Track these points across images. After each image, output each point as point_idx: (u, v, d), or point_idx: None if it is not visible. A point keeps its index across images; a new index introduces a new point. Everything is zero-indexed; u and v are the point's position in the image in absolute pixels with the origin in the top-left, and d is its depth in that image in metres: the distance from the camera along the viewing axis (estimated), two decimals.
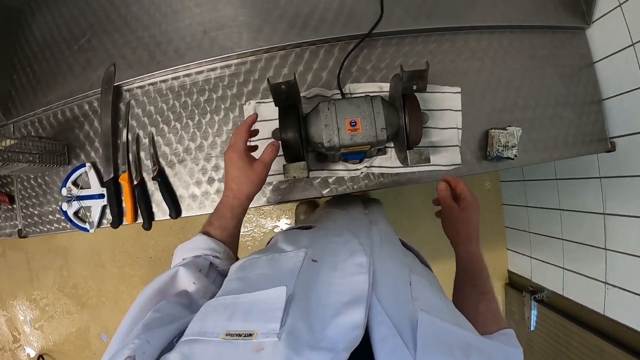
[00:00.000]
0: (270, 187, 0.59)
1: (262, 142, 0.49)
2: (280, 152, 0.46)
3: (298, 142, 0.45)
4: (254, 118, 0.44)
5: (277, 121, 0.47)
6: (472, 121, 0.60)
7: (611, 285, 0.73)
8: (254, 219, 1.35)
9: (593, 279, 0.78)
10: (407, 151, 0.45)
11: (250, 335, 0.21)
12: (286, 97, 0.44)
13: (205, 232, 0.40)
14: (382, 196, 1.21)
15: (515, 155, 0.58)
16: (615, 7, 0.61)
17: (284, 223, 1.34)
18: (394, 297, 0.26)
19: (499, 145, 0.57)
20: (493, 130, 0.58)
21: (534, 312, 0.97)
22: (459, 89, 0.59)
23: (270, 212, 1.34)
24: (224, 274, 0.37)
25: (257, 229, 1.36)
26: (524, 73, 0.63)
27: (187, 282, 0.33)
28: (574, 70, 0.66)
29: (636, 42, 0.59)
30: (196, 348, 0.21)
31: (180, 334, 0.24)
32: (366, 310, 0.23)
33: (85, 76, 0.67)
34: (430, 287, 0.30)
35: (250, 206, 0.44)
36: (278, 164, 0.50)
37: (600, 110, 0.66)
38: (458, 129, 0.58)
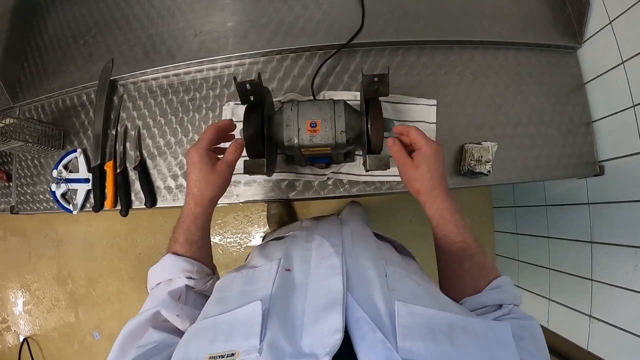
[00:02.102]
0: (238, 186, 0.60)
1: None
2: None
3: (259, 140, 0.46)
4: (228, 123, 0.42)
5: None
6: (447, 135, 0.59)
7: (596, 318, 0.68)
8: (241, 225, 1.36)
9: (578, 311, 0.73)
10: (367, 156, 0.46)
11: (233, 354, 0.21)
12: (251, 96, 0.46)
13: (173, 252, 0.38)
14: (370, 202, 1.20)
15: (489, 171, 0.56)
16: (606, 25, 0.60)
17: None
18: (370, 293, 0.25)
19: (471, 160, 0.56)
20: (467, 145, 0.57)
21: None
22: (434, 102, 0.59)
23: (258, 220, 1.35)
24: (200, 293, 0.38)
25: (244, 235, 1.37)
26: (508, 90, 0.63)
27: (171, 317, 0.32)
28: (563, 90, 0.64)
29: (626, 60, 0.58)
30: None
31: None
32: (343, 313, 0.23)
33: (87, 69, 0.72)
34: (409, 276, 0.30)
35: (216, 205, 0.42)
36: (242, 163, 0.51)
37: (589, 132, 0.64)
38: None
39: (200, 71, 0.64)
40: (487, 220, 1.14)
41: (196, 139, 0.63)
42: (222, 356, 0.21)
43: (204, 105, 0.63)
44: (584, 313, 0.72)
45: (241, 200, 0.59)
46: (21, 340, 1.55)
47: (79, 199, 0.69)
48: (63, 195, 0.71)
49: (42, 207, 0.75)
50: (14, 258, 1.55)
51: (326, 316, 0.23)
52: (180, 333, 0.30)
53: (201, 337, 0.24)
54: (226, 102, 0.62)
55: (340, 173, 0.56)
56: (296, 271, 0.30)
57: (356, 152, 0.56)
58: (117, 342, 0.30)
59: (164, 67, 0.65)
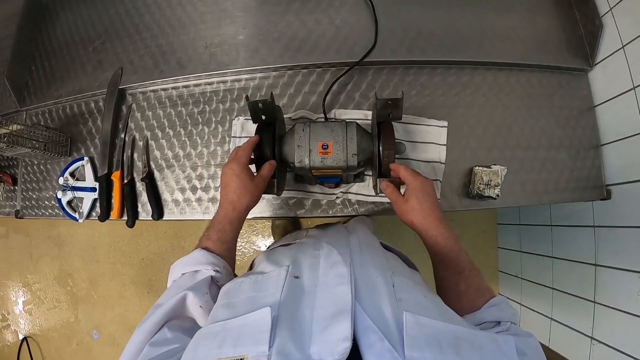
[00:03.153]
0: None
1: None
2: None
3: (270, 159, 0.46)
4: (256, 140, 0.46)
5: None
6: (457, 156, 0.59)
7: (597, 340, 0.69)
8: (246, 235, 1.36)
9: (579, 332, 0.73)
10: (377, 179, 0.45)
11: None
12: (263, 115, 0.46)
13: (204, 247, 0.40)
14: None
15: (498, 195, 0.56)
16: (619, 49, 0.60)
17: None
18: (378, 303, 0.26)
19: (480, 183, 0.56)
20: (477, 168, 0.57)
21: None
22: (445, 123, 0.59)
23: (262, 230, 1.35)
24: None
25: (248, 245, 1.37)
26: (518, 112, 0.63)
27: (194, 306, 0.33)
28: (573, 112, 0.64)
29: (637, 86, 0.57)
30: None
31: None
32: (352, 321, 0.23)
33: (95, 76, 0.71)
34: (415, 287, 0.30)
35: None
36: None
37: (597, 156, 0.64)
38: (441, 163, 0.58)
39: (210, 84, 0.64)
40: (491, 237, 1.14)
41: (205, 153, 0.63)
42: None
43: (213, 119, 0.63)
44: (585, 334, 0.72)
45: (249, 217, 0.59)
46: (21, 339, 1.55)
47: (85, 207, 0.69)
48: (69, 202, 0.71)
49: (47, 213, 0.75)
50: (17, 256, 1.55)
51: (335, 324, 0.23)
52: (192, 333, 0.29)
53: (209, 341, 0.24)
54: (236, 116, 0.61)
55: (350, 193, 0.56)
56: (305, 279, 0.30)
57: (366, 173, 0.56)
58: (139, 334, 0.30)
59: (174, 78, 0.65)
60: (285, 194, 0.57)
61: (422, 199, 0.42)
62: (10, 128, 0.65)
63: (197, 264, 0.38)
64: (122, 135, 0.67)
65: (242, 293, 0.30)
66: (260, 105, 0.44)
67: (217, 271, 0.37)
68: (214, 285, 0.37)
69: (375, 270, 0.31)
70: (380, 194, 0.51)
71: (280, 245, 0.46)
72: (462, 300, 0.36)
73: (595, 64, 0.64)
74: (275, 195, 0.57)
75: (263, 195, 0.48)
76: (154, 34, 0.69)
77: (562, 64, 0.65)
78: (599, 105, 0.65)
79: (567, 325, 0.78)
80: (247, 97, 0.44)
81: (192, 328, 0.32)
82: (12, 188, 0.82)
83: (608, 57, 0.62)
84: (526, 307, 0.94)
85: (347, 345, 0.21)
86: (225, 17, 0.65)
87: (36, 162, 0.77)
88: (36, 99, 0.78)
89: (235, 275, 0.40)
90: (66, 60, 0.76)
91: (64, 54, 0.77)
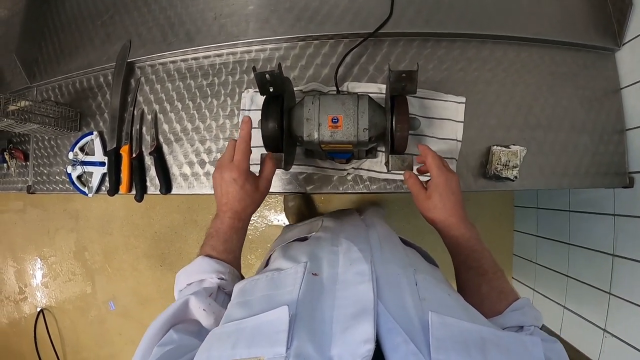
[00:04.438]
0: None
1: (255, 130, 0.49)
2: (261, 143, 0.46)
3: (277, 133, 0.44)
4: (249, 128, 0.41)
5: None
6: (474, 135, 0.57)
7: (609, 333, 0.67)
8: (258, 210, 1.35)
9: (592, 323, 0.71)
10: (390, 156, 0.44)
11: None
12: (271, 87, 0.44)
13: (208, 255, 0.38)
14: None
15: (516, 177, 0.54)
16: None
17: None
18: (401, 302, 0.25)
19: (498, 164, 0.53)
20: (495, 147, 0.55)
21: None
22: (463, 99, 0.56)
23: (275, 204, 1.34)
24: (230, 295, 0.37)
25: (261, 219, 1.37)
26: (540, 90, 0.59)
27: (198, 310, 0.32)
28: (598, 94, 0.61)
29: None
30: None
31: None
32: (374, 322, 0.22)
33: (104, 50, 0.70)
34: (438, 285, 0.29)
35: None
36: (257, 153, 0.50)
37: (621, 141, 0.61)
38: (457, 141, 0.56)
39: (219, 56, 0.62)
40: (507, 219, 1.11)
41: (214, 126, 0.62)
42: None
43: (222, 92, 0.62)
44: (598, 326, 0.70)
45: None
46: (37, 311, 1.61)
47: (95, 182, 0.69)
48: (79, 177, 0.71)
49: (57, 188, 0.75)
50: (33, 230, 1.59)
51: (356, 325, 0.22)
52: (199, 336, 0.29)
53: (223, 341, 0.23)
54: (245, 89, 0.60)
55: (361, 169, 0.55)
56: (323, 276, 0.29)
57: (379, 149, 0.55)
58: (144, 341, 0.29)
59: (182, 50, 0.63)
60: (294, 168, 0.56)
61: (446, 197, 0.39)
62: (19, 104, 0.65)
63: (201, 273, 0.36)
64: (131, 109, 0.67)
65: (258, 291, 0.29)
66: (267, 76, 0.43)
67: (222, 278, 0.36)
68: (221, 292, 0.36)
69: (397, 268, 0.30)
70: (392, 172, 0.50)
71: (296, 240, 0.45)
72: (484, 303, 0.35)
73: (623, 44, 0.60)
74: (284, 170, 0.56)
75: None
76: (162, 6, 0.67)
77: (588, 42, 0.61)
78: (625, 87, 0.61)
79: (580, 315, 0.76)
80: (254, 68, 0.43)
81: (198, 331, 0.31)
82: (24, 164, 0.83)
83: (637, 37, 0.58)
84: (539, 293, 0.92)
85: (370, 347, 0.20)
86: None
87: (47, 138, 0.77)
88: (46, 74, 0.78)
89: (243, 278, 0.39)
90: (75, 35, 0.75)
91: (72, 29, 0.76)
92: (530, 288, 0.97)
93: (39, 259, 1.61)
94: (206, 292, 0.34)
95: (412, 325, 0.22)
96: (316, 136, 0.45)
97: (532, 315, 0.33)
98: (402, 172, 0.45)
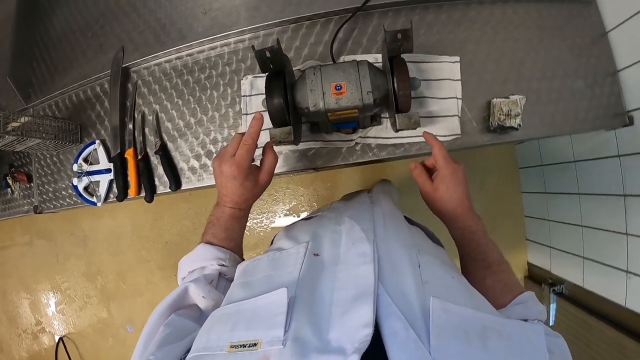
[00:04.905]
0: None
1: (263, 114, 0.48)
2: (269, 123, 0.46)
3: (283, 108, 0.45)
4: (260, 125, 0.39)
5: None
6: (472, 91, 0.58)
7: (633, 273, 0.67)
8: (266, 205, 1.34)
9: (614, 267, 0.72)
10: (396, 115, 0.44)
11: (255, 344, 0.20)
12: (271, 64, 0.45)
13: (208, 242, 0.38)
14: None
15: (520, 125, 0.55)
16: None
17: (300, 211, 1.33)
18: (402, 285, 0.24)
19: (500, 114, 0.54)
20: (495, 100, 0.56)
21: (553, 306, 0.91)
22: (457, 58, 0.57)
23: (282, 198, 1.33)
24: (232, 281, 0.37)
25: (270, 214, 1.35)
26: (530, 44, 0.61)
27: (197, 297, 0.32)
28: (586, 40, 0.62)
29: None
30: None
31: (190, 350, 0.23)
32: (374, 305, 0.21)
33: (98, 60, 0.71)
34: (442, 267, 0.29)
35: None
36: (266, 134, 0.50)
37: (615, 82, 0.62)
38: (457, 98, 0.57)
39: (213, 48, 0.63)
40: (514, 182, 1.12)
41: (217, 117, 0.62)
42: (244, 345, 0.20)
43: (221, 82, 0.62)
44: (620, 269, 0.70)
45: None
46: (57, 340, 1.58)
47: (102, 190, 0.69)
48: (85, 188, 0.71)
49: (65, 204, 0.75)
50: (43, 260, 1.57)
51: (356, 308, 0.22)
52: (200, 320, 0.29)
53: (223, 323, 0.23)
54: (244, 76, 0.61)
55: (368, 137, 0.55)
56: (325, 256, 0.28)
57: (382, 115, 0.55)
58: (149, 325, 0.29)
59: (176, 48, 0.64)
60: (302, 145, 0.56)
61: (452, 189, 0.39)
62: (19, 120, 0.65)
63: (202, 260, 0.36)
64: (131, 113, 0.67)
65: (259, 272, 0.29)
66: (267, 53, 0.43)
67: (223, 265, 0.36)
68: (222, 279, 0.36)
69: (400, 248, 0.29)
70: (400, 130, 0.50)
71: (301, 219, 0.44)
72: (488, 295, 0.34)
73: None
74: (292, 147, 0.56)
75: (281, 149, 0.46)
76: (152, 9, 0.68)
77: None
78: (611, 30, 0.63)
79: (600, 262, 0.76)
80: (253, 47, 0.43)
81: (199, 316, 0.31)
82: (28, 186, 0.82)
83: None
84: (557, 249, 0.92)
85: (369, 332, 0.20)
86: None
87: (49, 155, 0.77)
88: (41, 93, 0.78)
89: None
90: (67, 50, 0.76)
91: (63, 44, 0.77)
92: (547, 246, 0.97)
93: (51, 287, 1.59)
94: (206, 279, 0.34)
95: (412, 310, 0.22)
96: (322, 105, 0.45)
97: (536, 309, 0.33)
98: (410, 130, 0.45)
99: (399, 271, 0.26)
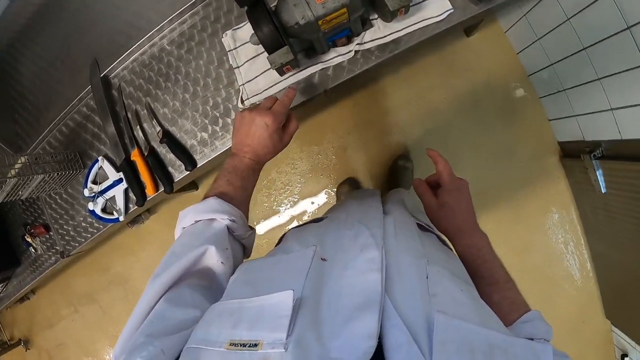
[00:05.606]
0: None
1: (255, 60, 0.49)
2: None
3: (274, 33, 0.44)
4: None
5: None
6: None
7: None
8: (287, 176, 1.25)
9: None
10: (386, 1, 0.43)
11: (256, 345, 0.19)
12: None
13: (220, 194, 0.36)
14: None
15: None
16: None
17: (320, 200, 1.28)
18: (409, 296, 0.24)
19: None
20: None
21: (599, 172, 0.86)
22: None
23: (301, 165, 1.26)
24: (239, 241, 0.36)
25: (294, 184, 1.25)
26: None
27: (216, 262, 0.30)
28: None
29: None
30: (201, 359, 0.20)
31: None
32: (379, 316, 0.21)
33: (75, 81, 0.70)
34: (452, 278, 0.28)
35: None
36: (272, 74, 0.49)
37: None
38: None
39: (184, 22, 0.62)
40: (517, 67, 1.06)
41: (210, 82, 0.61)
42: (244, 344, 0.20)
43: (202, 50, 0.61)
44: None
45: None
46: None
47: (120, 203, 0.66)
48: (103, 209, 0.68)
49: (89, 235, 0.72)
50: (93, 319, 1.53)
51: (360, 317, 0.21)
52: (209, 291, 0.28)
53: (224, 319, 0.22)
54: (223, 34, 0.59)
55: (365, 43, 0.53)
56: (332, 261, 0.27)
57: (372, 17, 0.54)
58: (155, 288, 0.27)
59: (148, 35, 0.63)
60: (304, 73, 0.55)
61: (457, 206, 0.39)
62: (19, 162, 0.63)
63: (212, 212, 0.34)
64: (124, 115, 0.65)
65: (264, 272, 0.28)
66: None
67: (233, 221, 0.34)
68: (230, 237, 0.35)
69: (410, 257, 0.28)
70: (394, 17, 0.49)
71: (311, 222, 0.43)
72: (494, 312, 0.34)
73: None
74: (296, 76, 0.55)
75: (289, 80, 0.47)
76: (114, 14, 0.67)
77: None
78: None
79: (629, 105, 0.74)
80: None
81: (210, 287, 0.29)
82: (48, 236, 0.79)
83: None
84: (582, 114, 0.88)
85: (372, 344, 0.19)
86: None
87: (57, 197, 0.74)
88: (30, 139, 0.77)
89: (251, 228, 0.38)
90: (43, 88, 0.75)
91: (38, 85, 0.76)
92: (571, 116, 0.90)
93: (109, 343, 1.53)
94: (223, 242, 0.32)
95: (417, 324, 0.21)
96: (310, 14, 0.44)
97: (543, 328, 0.32)
98: (405, 20, 0.43)
99: (406, 282, 0.25)
